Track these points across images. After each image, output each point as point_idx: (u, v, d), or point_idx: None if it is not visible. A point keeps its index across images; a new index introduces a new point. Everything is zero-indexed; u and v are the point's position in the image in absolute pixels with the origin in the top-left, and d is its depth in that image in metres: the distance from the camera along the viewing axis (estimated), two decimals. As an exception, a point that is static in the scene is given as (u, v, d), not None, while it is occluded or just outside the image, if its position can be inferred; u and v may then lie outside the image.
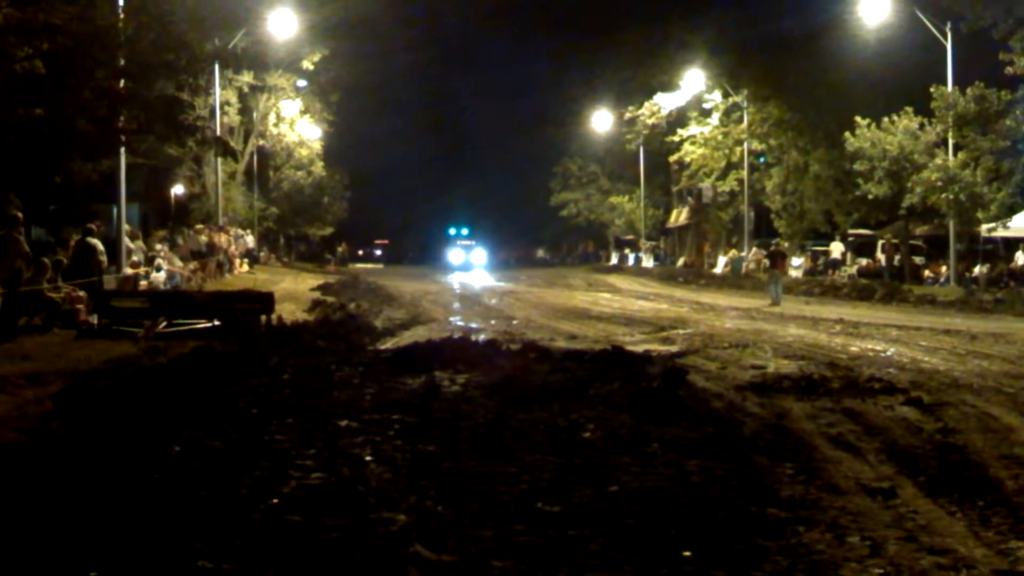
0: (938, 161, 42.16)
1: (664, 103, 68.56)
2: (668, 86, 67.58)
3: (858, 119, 45.47)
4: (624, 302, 38.30)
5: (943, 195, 41.41)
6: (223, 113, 54.00)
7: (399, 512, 7.42)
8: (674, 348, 20.42)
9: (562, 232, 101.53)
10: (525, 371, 14.74)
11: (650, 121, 70.32)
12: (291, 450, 9.51)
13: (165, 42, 25.53)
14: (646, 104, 70.30)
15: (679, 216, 79.84)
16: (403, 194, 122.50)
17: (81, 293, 23.24)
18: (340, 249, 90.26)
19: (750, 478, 8.89)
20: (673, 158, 68.66)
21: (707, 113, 64.27)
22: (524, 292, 45.76)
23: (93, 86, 24.78)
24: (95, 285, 24.65)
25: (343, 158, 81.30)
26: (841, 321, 27.12)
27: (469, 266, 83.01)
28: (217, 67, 38.75)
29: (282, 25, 49.96)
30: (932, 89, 41.90)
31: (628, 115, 72.86)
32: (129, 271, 31.12)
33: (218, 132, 45.16)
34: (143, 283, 31.24)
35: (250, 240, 58.58)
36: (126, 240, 31.89)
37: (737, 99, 60.93)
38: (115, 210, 33.62)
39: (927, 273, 47.84)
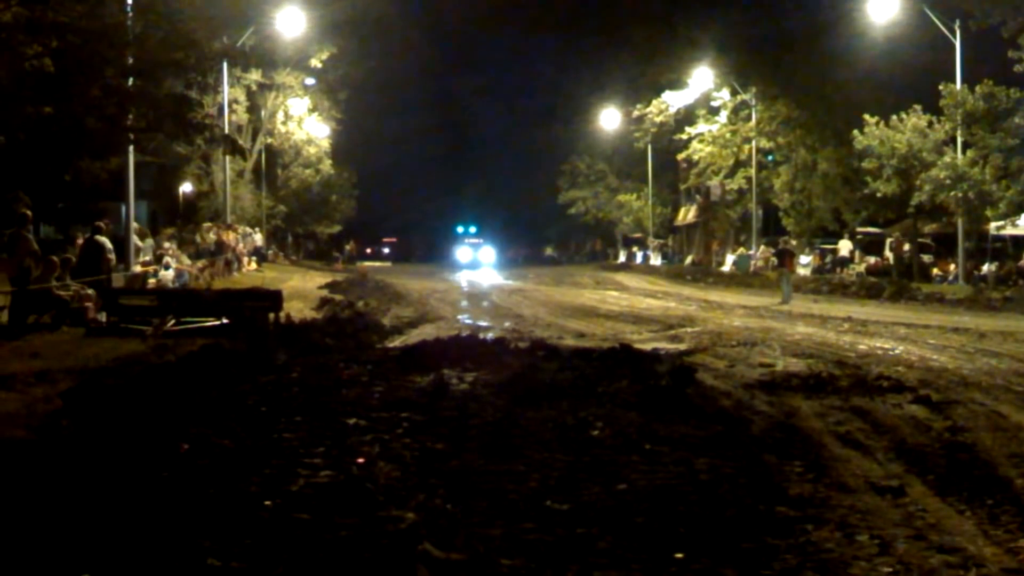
0: (947, 159, 42.07)
1: (672, 101, 68.48)
2: (676, 84, 67.49)
3: (866, 117, 45.38)
4: (632, 300, 38.28)
5: (952, 193, 41.32)
6: (231, 111, 54.05)
7: (408, 510, 7.42)
8: (682, 346, 20.39)
9: (570, 230, 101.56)
10: (533, 369, 14.74)
11: (658, 119, 70.25)
12: (299, 448, 9.51)
13: (174, 40, 25.54)
14: (654, 102, 70.22)
15: (687, 214, 79.78)
16: (411, 192, 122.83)
17: (90, 291, 23.26)
18: (348, 247, 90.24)
19: (759, 476, 8.88)
20: (681, 156, 68.62)
21: (715, 111, 64.19)
22: (532, 290, 45.74)
23: (102, 84, 24.82)
24: (104, 283, 24.68)
25: (351, 156, 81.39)
26: (849, 319, 27.08)
27: (477, 264, 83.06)
28: (225, 65, 38.80)
29: (290, 23, 49.97)
30: (941, 87, 41.83)
31: (636, 113, 72.75)
32: (139, 269, 31.17)
33: (226, 130, 45.19)
34: (151, 281, 31.27)
35: (258, 238, 58.61)
36: (135, 238, 31.93)
37: (745, 97, 60.88)
38: (124, 208, 33.70)
39: (936, 271, 47.74)
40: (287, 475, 8.44)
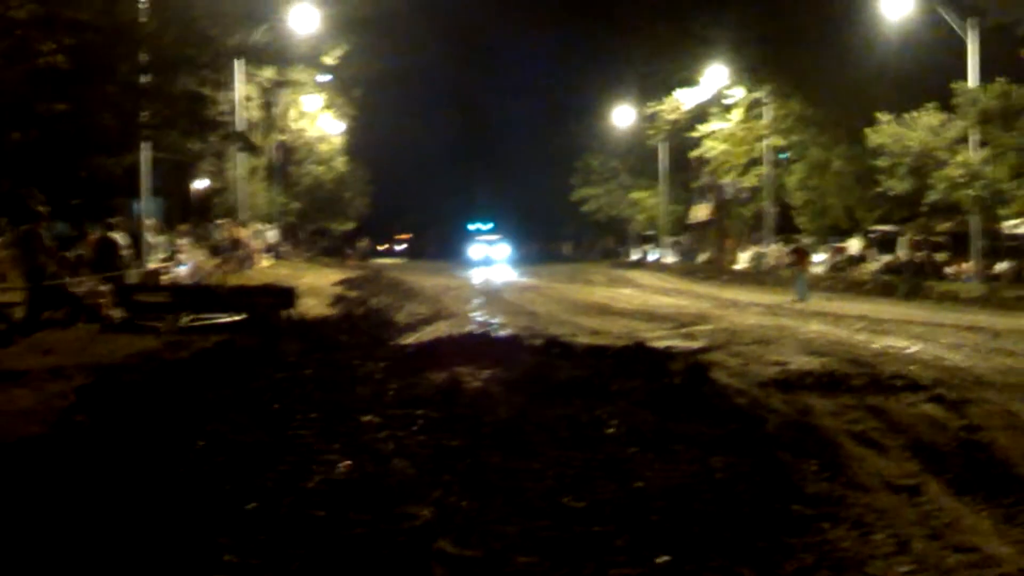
0: (960, 157, 41.95)
1: (685, 99, 68.41)
2: (689, 82, 67.38)
3: (880, 115, 45.30)
4: (646, 298, 38.29)
5: (966, 191, 41.20)
6: (245, 108, 54.10)
7: (423, 507, 7.43)
8: (696, 344, 20.39)
9: (583, 228, 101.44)
10: (547, 367, 14.74)
11: (671, 117, 70.21)
12: (315, 445, 9.52)
13: (188, 37, 25.61)
14: (667, 99, 70.18)
15: (700, 212, 79.70)
16: (425, 189, 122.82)
17: (104, 287, 23.30)
18: (362, 244, 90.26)
19: (774, 475, 8.86)
20: (694, 154, 68.46)
21: (729, 109, 64.07)
22: (546, 287, 45.80)
23: (116, 81, 24.88)
24: (118, 279, 24.73)
25: (365, 153, 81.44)
26: (864, 317, 27.03)
27: (490, 261, 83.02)
28: (239, 62, 38.83)
29: (304, 19, 49.98)
30: (954, 85, 41.68)
31: (649, 110, 72.73)
32: (153, 265, 31.24)
33: (240, 127, 45.25)
34: (165, 277, 31.33)
35: (272, 235, 58.65)
36: (148, 235, 31.99)
37: (759, 95, 60.74)
38: (137, 205, 33.77)
39: (950, 270, 47.62)
40: (302, 472, 8.45)
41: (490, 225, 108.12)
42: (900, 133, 44.20)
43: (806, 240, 51.89)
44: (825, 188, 55.00)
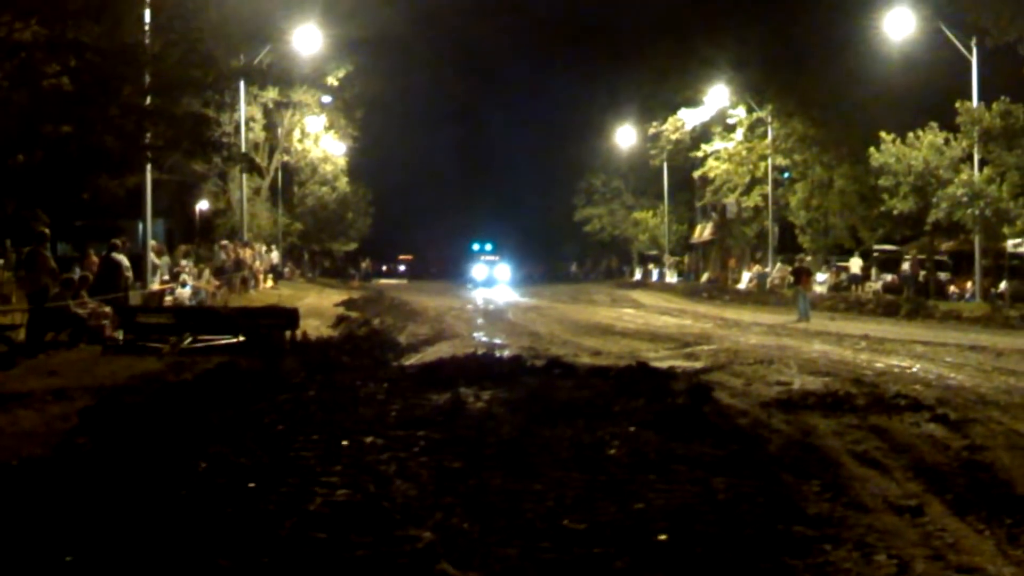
0: (963, 176, 42.02)
1: (688, 118, 68.62)
2: (692, 101, 67.61)
3: (883, 134, 45.38)
4: (648, 318, 38.28)
5: (968, 211, 41.27)
6: (248, 129, 54.24)
7: (425, 529, 7.42)
8: (699, 364, 20.37)
9: (586, 247, 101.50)
10: (550, 388, 14.75)
11: (674, 136, 70.40)
12: (316, 466, 9.52)
13: (191, 59, 25.67)
14: (670, 119, 70.40)
15: (703, 231, 79.79)
16: (427, 210, 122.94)
17: (107, 309, 23.33)
18: (364, 265, 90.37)
19: (776, 495, 8.85)
20: (697, 173, 68.65)
21: (731, 128, 64.25)
22: (548, 308, 45.79)
23: (120, 103, 24.92)
24: (121, 301, 24.75)
25: (367, 174, 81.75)
26: (866, 337, 27.00)
27: (492, 282, 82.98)
28: (243, 83, 38.94)
29: (307, 41, 50.24)
30: (957, 104, 41.75)
31: (652, 130, 72.93)
32: (157, 287, 31.27)
33: (243, 148, 45.34)
34: (168, 299, 31.36)
35: (275, 256, 58.76)
36: (152, 256, 32.05)
37: (761, 114, 60.90)
38: (141, 226, 33.83)
39: (952, 289, 47.64)
40: (304, 493, 8.45)
41: (491, 246, 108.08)
42: (903, 152, 44.25)
43: (809, 259, 51.90)
44: (828, 207, 55.12)
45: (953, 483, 9.57)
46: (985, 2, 40.09)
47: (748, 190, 63.28)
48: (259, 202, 60.92)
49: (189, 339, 21.57)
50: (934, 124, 44.35)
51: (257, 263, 50.01)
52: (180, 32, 25.56)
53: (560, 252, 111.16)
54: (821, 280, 52.70)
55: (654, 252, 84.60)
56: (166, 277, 34.06)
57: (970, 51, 42.48)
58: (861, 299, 45.33)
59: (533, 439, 10.90)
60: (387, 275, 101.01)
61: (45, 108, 23.14)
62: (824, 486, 9.26)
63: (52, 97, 22.77)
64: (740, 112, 63.12)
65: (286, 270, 63.27)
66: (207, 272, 38.29)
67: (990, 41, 40.34)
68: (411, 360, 21.32)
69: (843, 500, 8.80)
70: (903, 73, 48.38)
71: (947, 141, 43.82)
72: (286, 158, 66.49)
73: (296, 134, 66.54)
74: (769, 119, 60.04)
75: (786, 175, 61.04)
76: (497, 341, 27.02)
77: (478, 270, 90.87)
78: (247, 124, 53.26)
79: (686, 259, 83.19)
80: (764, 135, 60.96)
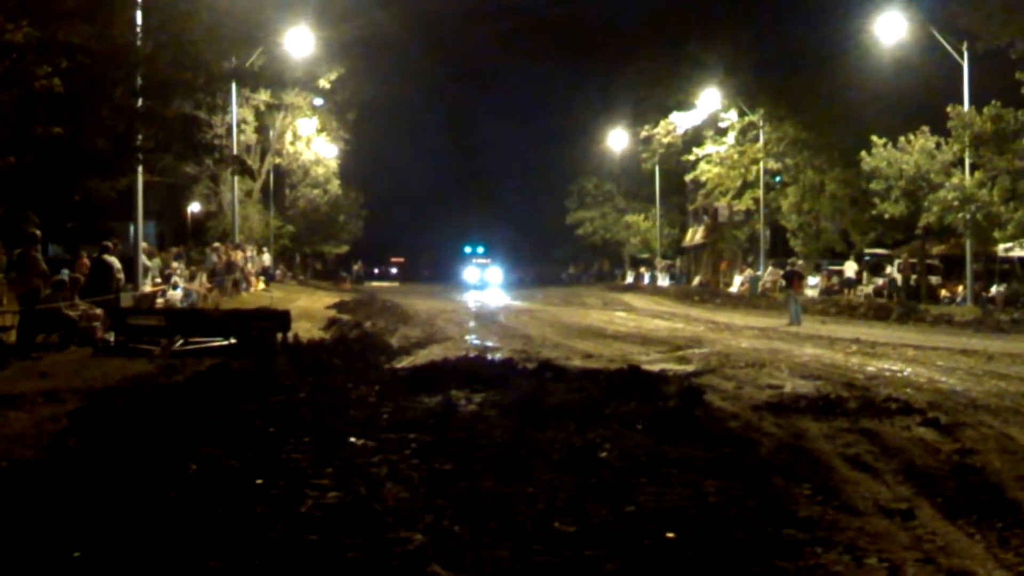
0: (954, 180, 42.13)
1: (680, 122, 68.62)
2: (684, 105, 67.62)
3: (874, 138, 45.48)
4: (640, 321, 38.28)
5: (960, 215, 41.38)
6: (240, 131, 54.18)
7: (416, 531, 7.42)
8: (690, 367, 20.37)
9: (578, 251, 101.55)
10: (541, 391, 14.75)
11: (666, 140, 70.45)
12: (308, 469, 9.51)
13: (183, 61, 25.61)
14: (662, 123, 70.42)
15: (695, 235, 79.86)
16: (419, 212, 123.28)
17: (98, 311, 23.28)
18: (355, 267, 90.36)
19: (767, 499, 8.85)
20: (689, 177, 68.59)
21: (723, 132, 64.27)
22: (539, 311, 45.78)
23: (111, 105, 24.88)
24: (112, 303, 24.70)
25: (359, 176, 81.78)
26: (858, 341, 27.02)
27: (484, 284, 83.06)
28: (234, 85, 38.87)
29: (299, 43, 50.16)
30: (948, 108, 41.85)
31: (644, 134, 72.95)
32: (148, 289, 31.21)
33: (235, 150, 45.28)
34: (159, 301, 31.30)
35: (266, 258, 58.69)
36: (143, 258, 31.99)
37: (753, 118, 60.94)
38: (132, 228, 33.76)
39: (944, 293, 47.71)
40: (295, 496, 8.44)
41: (483, 249, 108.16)
42: (894, 156, 44.34)
43: (800, 263, 51.95)
44: (819, 211, 55.22)
45: (944, 486, 9.58)
46: (976, 7, 40.16)
47: (740, 194, 63.27)
48: (251, 204, 60.87)
49: (180, 341, 21.54)
50: (925, 128, 44.46)
51: (249, 265, 49.92)
52: (172, 34, 25.49)
53: (552, 255, 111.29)
54: (813, 284, 52.75)
55: (646, 255, 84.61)
56: (158, 279, 33.99)
57: (961, 55, 42.57)
58: (852, 303, 45.35)
59: (524, 442, 10.90)
60: (379, 278, 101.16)
61: (36, 109, 23.12)
62: (815, 489, 9.27)
63: (43, 99, 22.74)
64: (732, 116, 63.14)
65: (278, 272, 63.19)
66: (199, 274, 38.24)
67: (981, 45, 40.41)
68: (403, 363, 21.32)
69: (834, 503, 8.81)
70: (895, 77, 48.53)
71: (938, 145, 43.93)
72: (278, 160, 66.41)
73: (288, 136, 66.45)
74: (761, 123, 60.09)
75: (778, 179, 61.10)
76: (489, 344, 27.02)
77: (470, 273, 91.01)
78: (239, 126, 53.19)
79: (678, 262, 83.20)
80: (756, 139, 60.99)
